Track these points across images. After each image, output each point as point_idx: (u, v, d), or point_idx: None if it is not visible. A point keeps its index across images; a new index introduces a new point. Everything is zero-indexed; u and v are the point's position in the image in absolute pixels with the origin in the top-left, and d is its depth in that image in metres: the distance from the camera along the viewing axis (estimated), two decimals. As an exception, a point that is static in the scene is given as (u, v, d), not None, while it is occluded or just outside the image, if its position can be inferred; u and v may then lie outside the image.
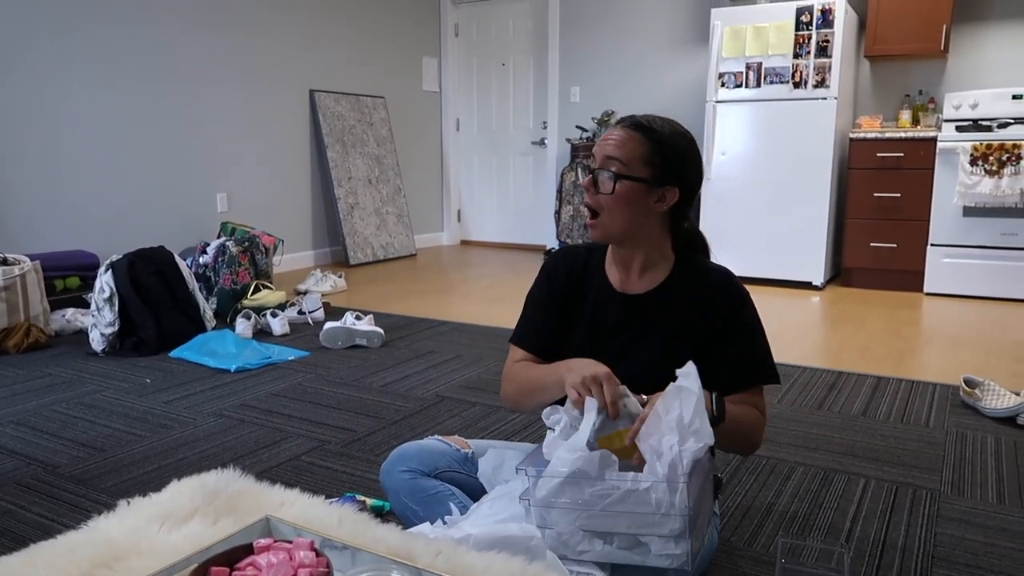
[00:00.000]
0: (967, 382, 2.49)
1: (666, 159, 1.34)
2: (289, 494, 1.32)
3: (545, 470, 1.18)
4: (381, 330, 3.26)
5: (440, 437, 1.55)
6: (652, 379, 1.26)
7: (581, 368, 1.24)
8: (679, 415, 1.12)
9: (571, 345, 1.44)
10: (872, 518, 1.70)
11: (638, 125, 1.35)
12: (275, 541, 1.05)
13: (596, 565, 1.20)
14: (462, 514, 1.35)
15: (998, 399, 2.33)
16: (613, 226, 1.36)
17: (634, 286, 1.43)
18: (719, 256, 1.51)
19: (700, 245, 1.49)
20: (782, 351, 3.11)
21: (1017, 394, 2.34)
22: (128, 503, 1.27)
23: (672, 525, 1.12)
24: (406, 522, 1.42)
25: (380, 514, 1.67)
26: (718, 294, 1.39)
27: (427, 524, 1.33)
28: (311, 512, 1.24)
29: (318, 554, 1.02)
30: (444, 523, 1.31)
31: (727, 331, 1.38)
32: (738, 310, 1.39)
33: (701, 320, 1.38)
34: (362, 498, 1.72)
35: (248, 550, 1.04)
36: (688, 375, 1.15)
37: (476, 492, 1.45)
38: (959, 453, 2.07)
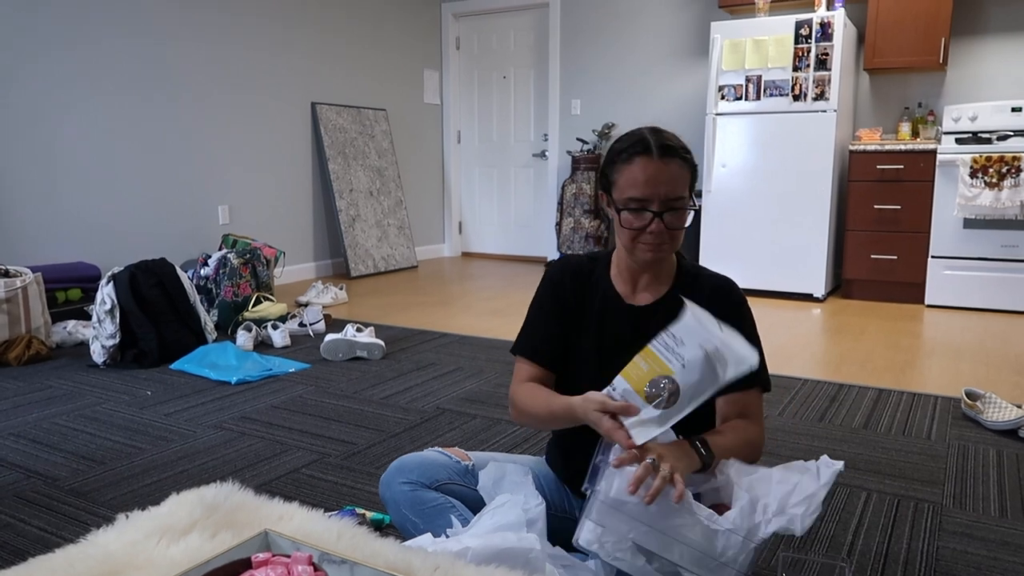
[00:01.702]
0: (968, 394, 2.48)
1: (695, 172, 1.38)
2: (288, 507, 1.32)
3: (629, 472, 1.15)
4: (382, 342, 3.26)
5: (440, 449, 1.54)
6: None
7: (592, 405, 1.22)
8: (791, 490, 1.13)
9: (579, 356, 1.44)
10: (874, 531, 1.69)
11: (672, 150, 1.31)
12: (273, 555, 1.05)
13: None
14: (463, 526, 1.34)
15: (1000, 412, 2.33)
16: (674, 250, 1.38)
17: (640, 297, 1.43)
18: (720, 268, 1.52)
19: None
20: (783, 363, 3.11)
21: (1019, 407, 2.33)
22: (127, 517, 1.27)
23: (724, 574, 1.12)
24: (406, 535, 1.41)
25: (380, 527, 1.66)
26: (719, 300, 1.39)
27: (427, 536, 1.33)
28: (310, 526, 1.23)
29: (316, 568, 1.02)
30: (446, 536, 1.31)
31: None
32: (738, 315, 1.39)
33: None
34: (362, 511, 1.71)
35: (246, 564, 1.04)
36: (829, 467, 1.17)
37: (477, 504, 1.44)
38: (961, 466, 2.07)
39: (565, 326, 1.46)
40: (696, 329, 1.16)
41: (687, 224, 1.35)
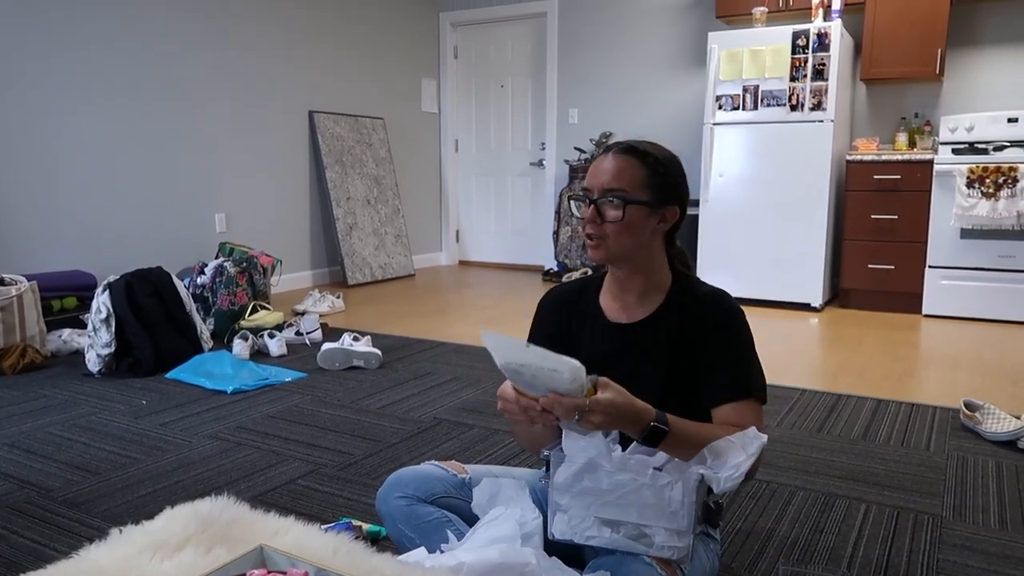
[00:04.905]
0: (967, 405, 2.48)
1: (664, 179, 1.35)
2: (284, 522, 1.30)
3: (567, 456, 1.25)
4: (379, 351, 3.25)
5: (437, 462, 1.53)
6: (656, 406, 1.25)
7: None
8: (723, 461, 1.21)
9: None
10: (874, 543, 1.68)
11: (630, 149, 1.35)
12: (268, 572, 1.04)
13: None
14: (459, 541, 1.33)
15: (999, 423, 2.32)
16: (618, 248, 1.35)
17: (631, 314, 1.41)
18: (717, 278, 1.50)
19: (686, 260, 1.50)
20: (780, 373, 3.10)
21: (1017, 417, 2.33)
22: (120, 531, 1.25)
23: (679, 522, 1.21)
24: (402, 549, 1.40)
25: (376, 540, 1.65)
26: (708, 312, 1.37)
27: (422, 550, 1.32)
28: (306, 541, 1.22)
29: (312, 584, 1.01)
30: (440, 552, 1.30)
31: (715, 344, 1.36)
32: (727, 325, 1.37)
33: (694, 340, 1.36)
34: (358, 523, 1.70)
35: (241, 580, 1.03)
36: (754, 440, 1.22)
37: (473, 518, 1.43)
38: (960, 477, 2.06)
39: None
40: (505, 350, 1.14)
41: (621, 219, 1.31)
